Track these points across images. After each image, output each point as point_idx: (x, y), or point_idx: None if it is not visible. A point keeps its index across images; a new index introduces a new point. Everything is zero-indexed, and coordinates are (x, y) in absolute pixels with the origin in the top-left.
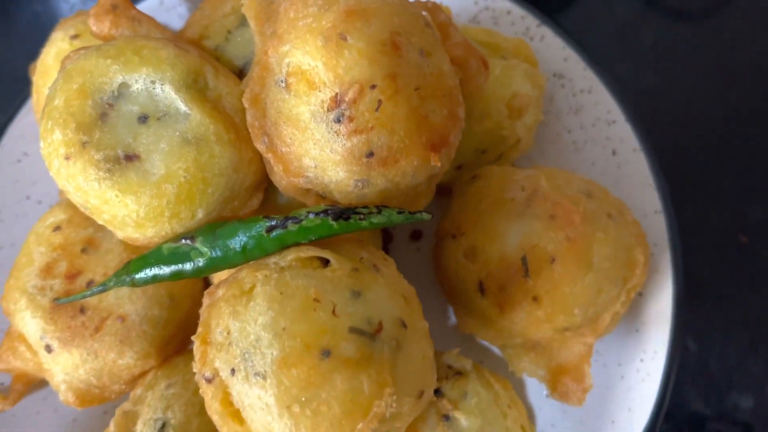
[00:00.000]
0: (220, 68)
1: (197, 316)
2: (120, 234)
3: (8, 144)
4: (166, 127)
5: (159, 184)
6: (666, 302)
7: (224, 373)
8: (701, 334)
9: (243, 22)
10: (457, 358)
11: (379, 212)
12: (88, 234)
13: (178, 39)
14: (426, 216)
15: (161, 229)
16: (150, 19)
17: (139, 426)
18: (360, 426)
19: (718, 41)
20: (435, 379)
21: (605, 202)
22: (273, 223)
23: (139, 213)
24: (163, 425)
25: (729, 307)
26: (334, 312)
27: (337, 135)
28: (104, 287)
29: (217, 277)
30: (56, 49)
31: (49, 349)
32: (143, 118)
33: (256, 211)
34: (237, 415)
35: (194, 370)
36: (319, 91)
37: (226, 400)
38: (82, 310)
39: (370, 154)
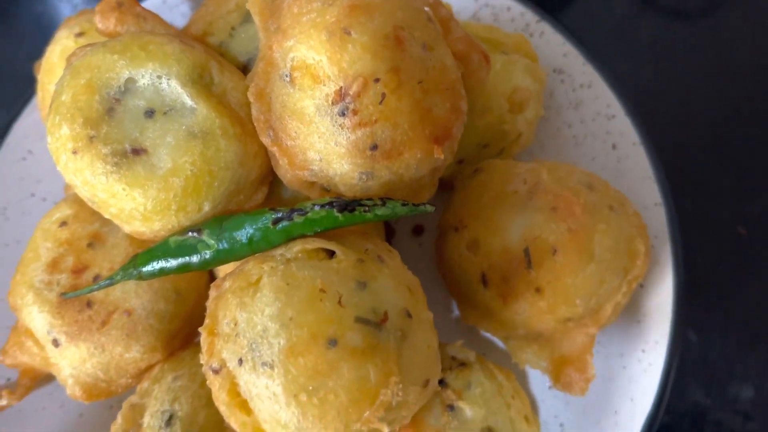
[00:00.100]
0: (225, 64)
1: (203, 311)
2: (127, 228)
3: (13, 142)
4: (172, 121)
5: (166, 177)
6: (667, 293)
7: (231, 364)
8: (701, 326)
9: (246, 18)
10: (460, 349)
11: (384, 204)
12: (94, 229)
13: (183, 35)
14: (429, 208)
15: (168, 222)
16: (155, 16)
17: (146, 418)
18: (366, 414)
19: (716, 39)
20: (440, 368)
21: (606, 194)
22: (279, 215)
23: (147, 206)
24: (171, 417)
25: (729, 299)
26: (340, 302)
27: (342, 128)
28: (111, 281)
29: (223, 270)
30: (61, 47)
31: (56, 343)
32: (150, 113)
33: (261, 205)
34: (244, 406)
35: (201, 362)
36: (324, 84)
37: (234, 391)
38: (89, 305)
39: (374, 147)
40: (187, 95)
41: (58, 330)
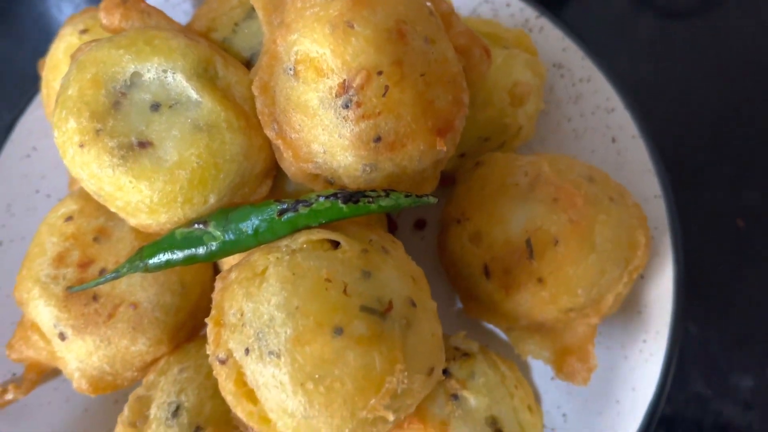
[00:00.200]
0: (229, 59)
1: (207, 304)
2: (133, 221)
3: (17, 139)
4: (178, 114)
5: (172, 170)
6: (667, 284)
7: (238, 354)
8: (701, 317)
9: (249, 14)
10: (464, 340)
11: (387, 195)
12: (100, 223)
13: (187, 30)
14: (432, 199)
15: (174, 214)
16: (159, 12)
17: (153, 410)
18: (372, 402)
19: (714, 35)
20: (444, 357)
21: (606, 185)
22: (284, 206)
23: (153, 198)
24: (177, 408)
25: (727, 290)
26: (345, 291)
27: (346, 120)
28: (118, 273)
29: (227, 263)
30: (66, 43)
31: (62, 336)
32: (155, 106)
33: (265, 199)
34: (251, 395)
35: (208, 353)
36: (327, 77)
37: (240, 381)
38: (95, 298)
39: (378, 139)
40: (193, 89)
41: (64, 323)
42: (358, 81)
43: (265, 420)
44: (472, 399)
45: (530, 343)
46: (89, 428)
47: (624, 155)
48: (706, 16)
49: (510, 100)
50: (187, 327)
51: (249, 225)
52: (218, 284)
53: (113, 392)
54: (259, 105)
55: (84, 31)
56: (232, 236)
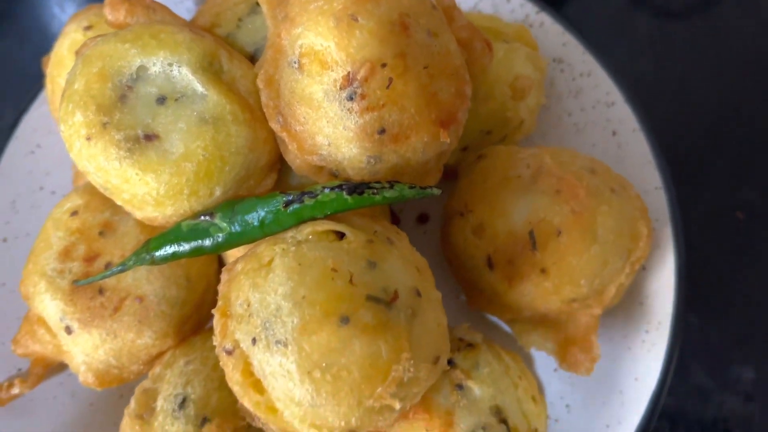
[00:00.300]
0: (234, 53)
1: (212, 297)
2: (139, 214)
3: (22, 136)
4: (184, 107)
5: (178, 162)
6: (668, 275)
7: (245, 344)
8: (702, 309)
9: (253, 9)
10: (467, 331)
11: (392, 187)
12: (105, 218)
13: (192, 25)
14: (436, 191)
15: (180, 207)
16: (164, 8)
17: (159, 402)
18: (379, 390)
19: (713, 30)
20: (449, 346)
21: (608, 177)
22: (290, 198)
23: (159, 191)
24: (184, 400)
25: (728, 282)
26: (351, 281)
27: (350, 112)
28: (124, 266)
29: (232, 255)
30: (70, 40)
31: (69, 330)
32: (161, 100)
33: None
34: (258, 385)
35: (214, 344)
36: (332, 70)
37: (247, 371)
38: (101, 291)
39: (382, 131)
40: (198, 82)
41: (70, 317)
42: (362, 73)
43: (272, 410)
44: (476, 389)
45: (533, 334)
46: (94, 423)
47: (624, 148)
48: (705, 14)
49: (511, 93)
50: (193, 320)
51: (255, 216)
52: (224, 276)
53: (118, 387)
54: (263, 98)
55: (88, 28)
56: (238, 228)
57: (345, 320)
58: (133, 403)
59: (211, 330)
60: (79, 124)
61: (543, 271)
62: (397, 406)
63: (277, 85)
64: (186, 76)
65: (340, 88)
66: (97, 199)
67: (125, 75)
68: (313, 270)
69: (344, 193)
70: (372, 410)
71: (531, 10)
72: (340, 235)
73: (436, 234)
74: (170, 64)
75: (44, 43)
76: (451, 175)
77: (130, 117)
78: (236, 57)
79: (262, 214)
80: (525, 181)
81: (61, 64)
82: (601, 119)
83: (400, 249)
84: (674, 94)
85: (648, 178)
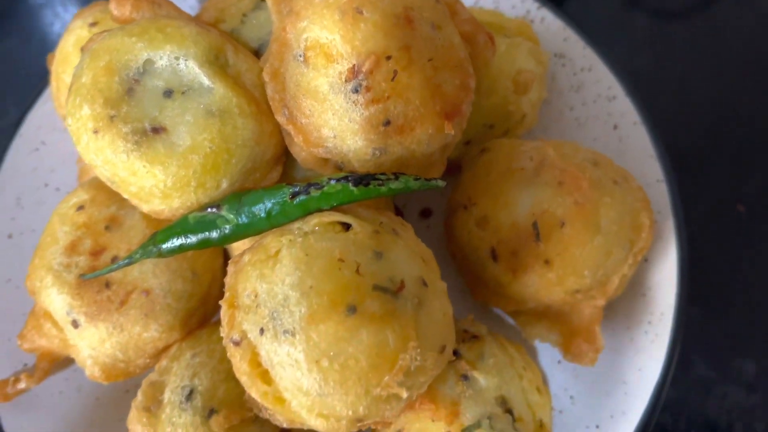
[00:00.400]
0: (239, 47)
1: (218, 291)
2: (146, 207)
3: (26, 133)
4: (190, 100)
5: (185, 154)
6: (671, 267)
7: (252, 335)
8: (703, 301)
9: (257, 5)
10: (472, 323)
11: (397, 179)
12: (111, 212)
13: (197, 20)
14: (441, 183)
15: (187, 199)
16: (169, 3)
17: (166, 394)
18: (386, 379)
19: (712, 27)
20: (454, 336)
21: (610, 169)
22: (296, 189)
23: (167, 183)
24: (191, 392)
25: (729, 275)
26: (358, 271)
27: (355, 105)
28: (131, 259)
29: (237, 249)
30: (75, 36)
31: (75, 324)
32: (168, 93)
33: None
34: (265, 375)
35: (222, 335)
36: (337, 63)
37: (255, 361)
38: (108, 285)
39: (387, 123)
40: (205, 75)
41: (77, 311)
42: (367, 66)
43: (279, 400)
44: (482, 379)
45: (537, 326)
46: (100, 417)
47: (626, 142)
48: (704, 13)
49: (514, 87)
50: (199, 313)
51: (262, 208)
52: (231, 268)
53: (124, 382)
54: (269, 91)
55: (93, 24)
56: (245, 219)
57: (352, 309)
58: (140, 396)
59: (217, 323)
60: (87, 117)
61: (547, 262)
62: (404, 394)
63: (283, 78)
64: (192, 70)
65: (346, 81)
66: (103, 193)
67: (132, 68)
68: (320, 260)
69: (350, 184)
70: (379, 399)
71: (532, 5)
72: (347, 226)
73: (439, 229)
74: (177, 58)
75: (47, 41)
76: (454, 169)
77: (137, 110)
78: (242, 51)
79: (269, 205)
80: (528, 173)
81: (66, 60)
82: (603, 113)
83: (405, 240)
84: (674, 93)
85: (649, 171)
